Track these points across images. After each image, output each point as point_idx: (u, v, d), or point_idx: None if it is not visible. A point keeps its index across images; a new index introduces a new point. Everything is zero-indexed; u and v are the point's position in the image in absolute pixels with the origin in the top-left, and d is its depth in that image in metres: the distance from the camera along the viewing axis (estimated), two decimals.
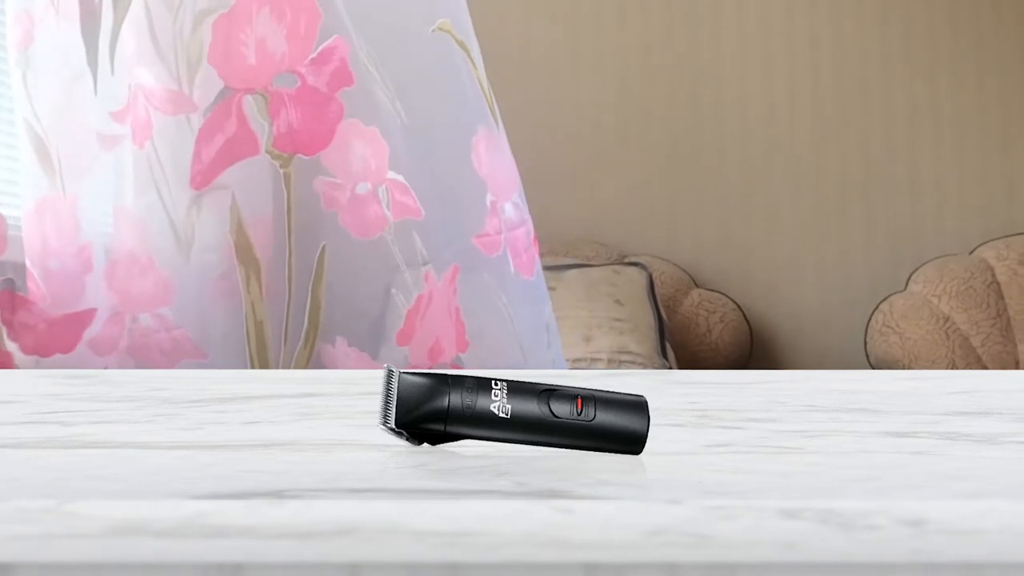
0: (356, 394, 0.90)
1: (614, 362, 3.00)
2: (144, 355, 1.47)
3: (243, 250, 1.47)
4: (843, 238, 3.54)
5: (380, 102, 1.50)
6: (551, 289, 3.10)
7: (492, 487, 0.61)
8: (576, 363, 2.99)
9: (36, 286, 1.47)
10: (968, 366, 3.26)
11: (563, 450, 0.67)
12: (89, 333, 1.48)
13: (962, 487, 0.62)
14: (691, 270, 3.47)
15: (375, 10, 1.51)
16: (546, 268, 3.19)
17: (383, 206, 1.50)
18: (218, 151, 1.45)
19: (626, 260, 3.36)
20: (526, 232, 1.64)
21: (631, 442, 0.67)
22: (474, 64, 1.57)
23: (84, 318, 1.48)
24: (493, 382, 0.67)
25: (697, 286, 3.45)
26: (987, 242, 3.47)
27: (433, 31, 1.53)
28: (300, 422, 0.81)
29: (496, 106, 1.61)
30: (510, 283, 1.58)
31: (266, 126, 1.46)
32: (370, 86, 1.49)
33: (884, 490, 0.62)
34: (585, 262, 3.30)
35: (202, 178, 1.46)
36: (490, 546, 0.56)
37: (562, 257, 3.29)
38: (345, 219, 1.49)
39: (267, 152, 1.46)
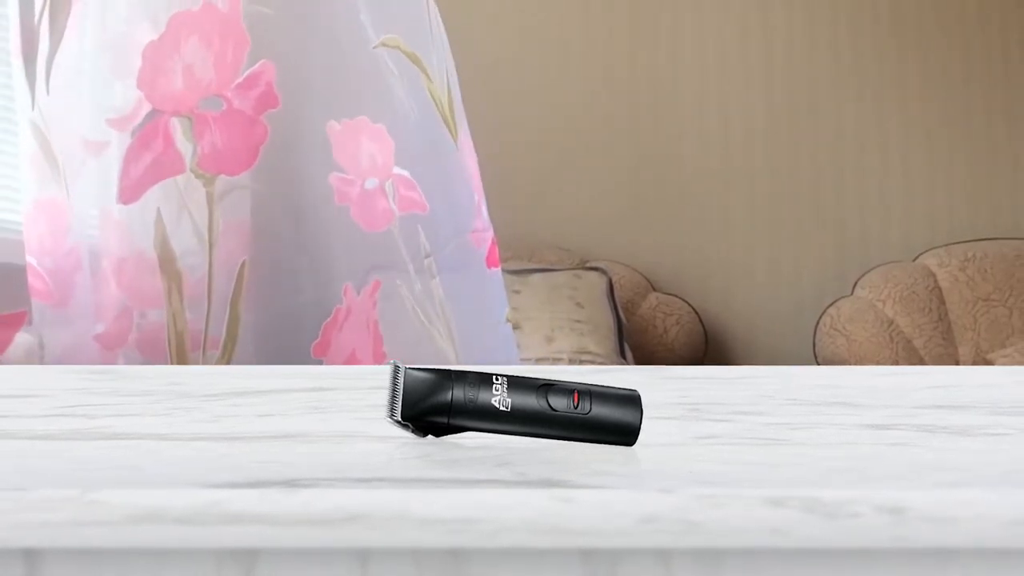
0: (364, 388, 0.91)
1: (575, 361, 3.01)
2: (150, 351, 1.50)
3: (166, 263, 1.48)
4: (793, 245, 3.57)
5: (394, 98, 1.52)
6: (515, 292, 3.12)
7: (493, 477, 0.63)
8: (539, 362, 3.00)
9: (42, 283, 1.48)
10: None
11: (560, 441, 0.69)
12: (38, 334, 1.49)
13: (940, 477, 0.64)
14: (649, 275, 3.49)
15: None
16: (511, 272, 3.20)
17: (390, 200, 1.52)
18: (145, 169, 1.47)
19: (587, 265, 3.38)
20: (491, 234, 1.67)
21: (625, 434, 0.69)
22: (428, 78, 1.58)
23: (14, 320, 1.50)
24: (494, 377, 0.69)
25: (655, 290, 3.47)
26: (930, 250, 3.52)
27: (375, 48, 1.55)
28: (311, 415, 0.82)
29: (454, 115, 1.62)
30: (487, 278, 1.61)
31: (191, 147, 1.47)
32: (388, 82, 1.51)
33: (865, 480, 0.63)
34: (548, 267, 3.31)
35: (129, 193, 1.48)
36: (491, 533, 0.58)
37: (526, 262, 3.30)
38: (356, 213, 1.51)
39: (191, 171, 1.48)
